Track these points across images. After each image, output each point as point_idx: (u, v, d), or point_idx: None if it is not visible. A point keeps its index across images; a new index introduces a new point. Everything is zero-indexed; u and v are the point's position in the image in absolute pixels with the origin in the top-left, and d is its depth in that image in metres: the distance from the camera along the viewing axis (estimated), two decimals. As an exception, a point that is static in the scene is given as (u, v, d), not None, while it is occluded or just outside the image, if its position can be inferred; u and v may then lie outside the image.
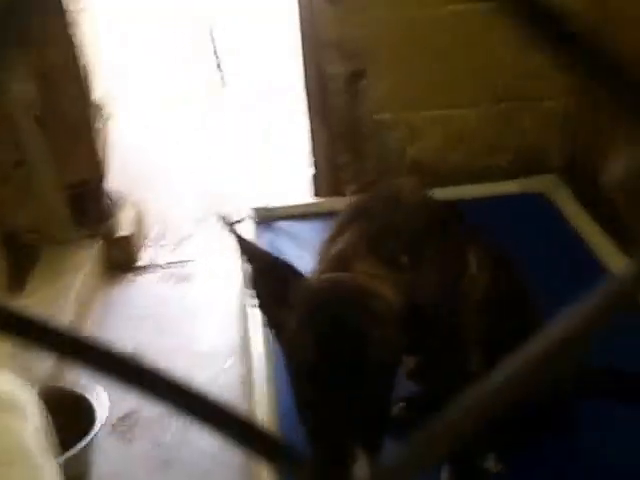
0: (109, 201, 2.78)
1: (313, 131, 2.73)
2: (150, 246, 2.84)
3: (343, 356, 1.16)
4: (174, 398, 0.23)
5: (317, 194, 2.75)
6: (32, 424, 1.18)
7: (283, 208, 2.60)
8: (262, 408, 1.80)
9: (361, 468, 1.13)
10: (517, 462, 1.59)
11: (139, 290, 2.60)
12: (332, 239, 1.44)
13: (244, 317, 2.11)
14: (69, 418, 1.92)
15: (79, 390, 1.99)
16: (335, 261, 1.34)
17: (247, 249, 1.34)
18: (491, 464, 1.58)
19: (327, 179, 2.75)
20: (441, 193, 2.43)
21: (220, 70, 3.91)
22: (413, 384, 1.63)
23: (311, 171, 2.75)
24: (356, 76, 2.62)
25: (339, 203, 2.52)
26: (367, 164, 2.73)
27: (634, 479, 1.57)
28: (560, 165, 2.67)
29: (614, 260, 2.08)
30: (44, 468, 1.11)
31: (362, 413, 1.19)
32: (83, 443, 1.83)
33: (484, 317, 1.43)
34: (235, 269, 2.38)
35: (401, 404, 1.74)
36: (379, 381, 1.21)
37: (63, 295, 2.42)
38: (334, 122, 2.68)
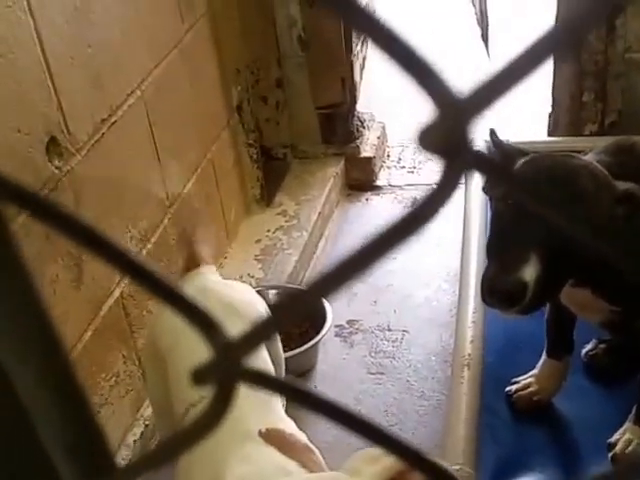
0: (357, 123, 3.00)
1: (557, 66, 2.73)
2: (389, 167, 3.04)
3: (554, 182, 1.27)
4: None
5: (552, 133, 2.78)
6: None
7: (517, 144, 2.63)
8: (470, 332, 1.93)
9: (528, 274, 1.23)
10: None
11: (374, 209, 2.83)
12: None
13: (463, 245, 2.25)
14: (303, 316, 2.20)
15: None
16: None
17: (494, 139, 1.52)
18: None
19: (566, 117, 2.76)
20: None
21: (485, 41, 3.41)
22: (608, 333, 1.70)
23: (549, 109, 2.77)
24: (614, 12, 2.58)
25: (577, 143, 2.55)
26: (610, 105, 2.71)
27: None
28: None
29: None
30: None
31: (547, 233, 1.24)
32: (313, 342, 2.10)
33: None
34: (461, 199, 2.52)
35: (600, 345, 1.82)
36: (578, 215, 1.25)
37: (308, 208, 2.70)
38: (584, 58, 2.67)
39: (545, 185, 1.27)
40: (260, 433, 1.14)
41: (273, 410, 1.24)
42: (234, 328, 1.08)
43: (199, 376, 0.29)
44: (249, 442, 1.13)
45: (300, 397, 0.29)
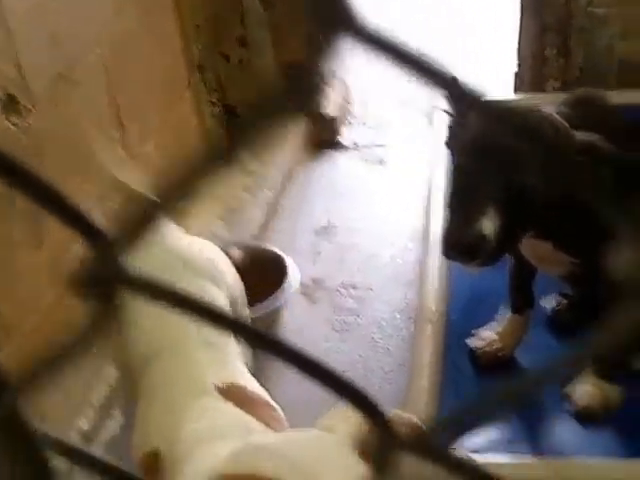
0: (320, 80, 2.97)
1: (522, 22, 2.72)
2: (352, 126, 3.03)
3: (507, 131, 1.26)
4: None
5: (517, 90, 2.78)
6: (226, 291, 1.39)
7: None
8: (434, 289, 1.95)
9: (487, 226, 1.25)
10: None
11: (337, 167, 2.82)
12: None
13: (428, 204, 2.26)
14: (267, 274, 2.20)
15: (278, 253, 2.26)
16: None
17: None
18: (638, 362, 1.64)
19: (531, 74, 2.76)
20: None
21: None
22: (570, 286, 1.72)
23: (515, 66, 2.77)
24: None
25: (540, 100, 2.55)
26: (573, 60, 2.71)
27: None
28: None
29: None
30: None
31: (504, 184, 1.25)
32: (277, 301, 2.10)
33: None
34: (426, 158, 2.52)
35: (563, 301, 1.83)
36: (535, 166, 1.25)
37: (271, 165, 2.68)
38: (546, 12, 2.66)
39: (505, 137, 1.27)
40: (219, 388, 1.13)
41: (233, 366, 1.23)
42: (193, 284, 1.05)
43: (77, 282, 0.28)
44: (207, 397, 1.12)
45: (189, 307, 0.28)
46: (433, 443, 0.30)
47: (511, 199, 1.26)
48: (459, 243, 1.27)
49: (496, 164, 1.27)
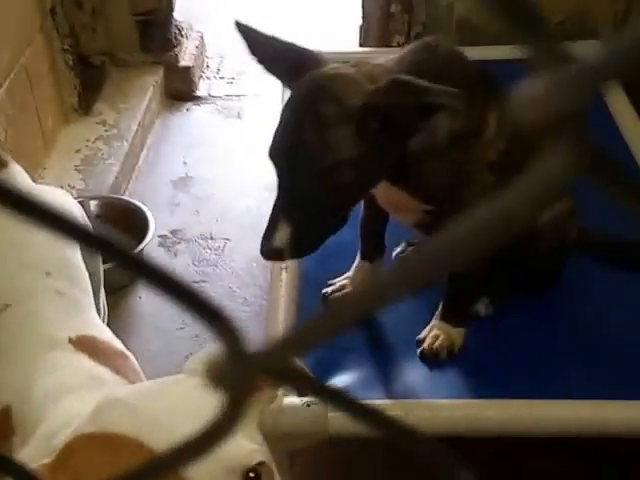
0: (175, 31, 2.96)
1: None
2: (208, 78, 3.04)
3: (292, 135, 1.30)
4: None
5: (363, 44, 2.86)
6: (77, 244, 1.36)
7: (329, 54, 2.64)
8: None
9: (281, 239, 1.30)
10: (507, 310, 1.72)
11: (194, 119, 2.84)
12: None
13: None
14: (124, 226, 2.20)
15: (136, 204, 2.27)
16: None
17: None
18: (482, 308, 1.73)
19: (376, 28, 2.84)
20: (484, 52, 2.55)
21: None
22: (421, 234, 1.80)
23: (360, 20, 2.84)
24: None
25: (386, 54, 2.63)
26: (417, 17, 2.81)
27: (615, 334, 1.67)
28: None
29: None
30: (81, 280, 1.27)
31: (293, 198, 1.31)
32: (135, 252, 2.12)
33: (493, 177, 1.48)
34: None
35: (409, 248, 1.93)
36: (317, 172, 1.28)
37: (128, 117, 2.67)
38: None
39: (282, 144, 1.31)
40: (70, 340, 1.10)
41: (85, 316, 1.19)
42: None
43: None
44: (58, 350, 1.08)
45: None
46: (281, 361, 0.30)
47: (298, 203, 1.31)
48: (263, 251, 1.35)
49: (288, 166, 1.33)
